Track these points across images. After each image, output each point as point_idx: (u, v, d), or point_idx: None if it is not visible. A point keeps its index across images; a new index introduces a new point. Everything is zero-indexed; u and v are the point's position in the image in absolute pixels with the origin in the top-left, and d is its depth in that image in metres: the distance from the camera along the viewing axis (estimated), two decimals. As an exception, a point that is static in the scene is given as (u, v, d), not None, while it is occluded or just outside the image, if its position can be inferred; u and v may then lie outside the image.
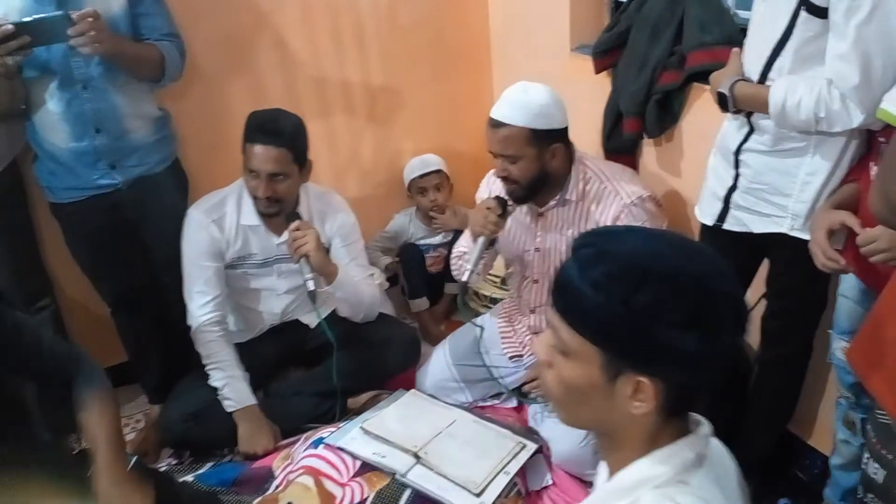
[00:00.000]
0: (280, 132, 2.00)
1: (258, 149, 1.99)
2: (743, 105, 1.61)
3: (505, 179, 1.94)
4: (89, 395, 1.51)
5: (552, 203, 1.99)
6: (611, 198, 1.93)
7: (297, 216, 2.06)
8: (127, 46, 1.90)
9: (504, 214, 1.96)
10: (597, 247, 0.84)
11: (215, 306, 2.13)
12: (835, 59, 1.41)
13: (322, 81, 2.60)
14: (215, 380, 2.11)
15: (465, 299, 2.13)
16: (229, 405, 2.11)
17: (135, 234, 2.15)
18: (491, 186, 2.12)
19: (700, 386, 0.86)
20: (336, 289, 2.09)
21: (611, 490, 0.89)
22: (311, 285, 1.99)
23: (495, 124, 1.88)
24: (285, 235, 2.09)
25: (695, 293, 0.80)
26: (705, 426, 0.90)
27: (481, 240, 1.96)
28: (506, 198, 1.98)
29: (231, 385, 2.11)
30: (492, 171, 2.06)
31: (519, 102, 1.86)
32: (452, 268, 2.21)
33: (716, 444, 0.92)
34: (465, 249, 2.11)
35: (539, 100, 1.86)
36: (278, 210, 2.08)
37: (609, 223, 1.91)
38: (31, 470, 1.41)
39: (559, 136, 1.91)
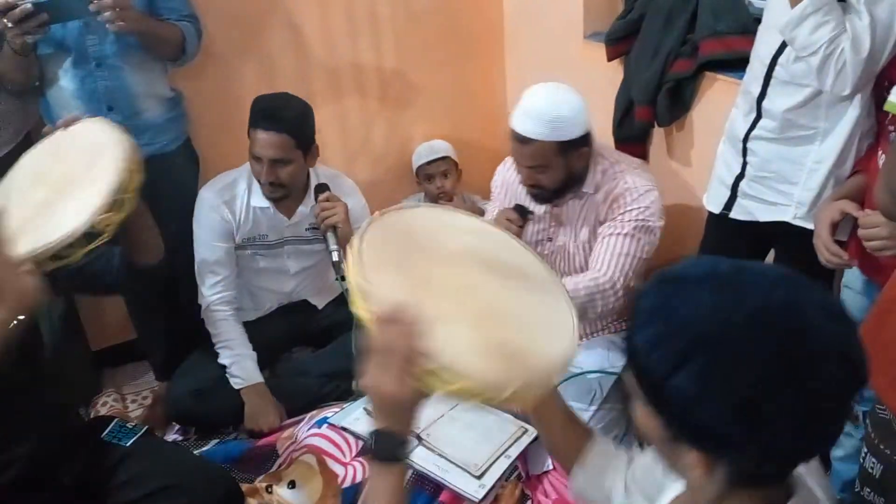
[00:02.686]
0: (282, 118, 1.98)
1: (260, 134, 1.98)
2: None
3: (532, 187, 1.90)
4: None
5: (569, 196, 1.95)
6: (620, 190, 1.89)
7: (325, 187, 2.04)
8: (151, 24, 1.92)
9: (525, 224, 1.94)
10: (660, 299, 0.75)
11: (225, 286, 2.16)
12: (856, 29, 1.41)
13: (334, 65, 2.60)
14: (224, 358, 2.14)
15: None
16: (237, 382, 2.13)
17: (145, 213, 2.17)
18: (505, 175, 2.11)
19: (766, 469, 0.74)
20: None
21: None
22: (335, 256, 1.95)
23: (522, 140, 1.79)
24: (302, 211, 2.10)
25: (749, 377, 0.67)
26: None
27: None
28: (526, 206, 1.95)
29: (239, 363, 2.14)
30: (508, 159, 2.04)
31: (545, 116, 1.76)
32: None
33: None
34: None
35: (565, 110, 1.78)
36: (283, 195, 2.09)
37: (614, 216, 1.89)
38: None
39: (585, 140, 1.86)
